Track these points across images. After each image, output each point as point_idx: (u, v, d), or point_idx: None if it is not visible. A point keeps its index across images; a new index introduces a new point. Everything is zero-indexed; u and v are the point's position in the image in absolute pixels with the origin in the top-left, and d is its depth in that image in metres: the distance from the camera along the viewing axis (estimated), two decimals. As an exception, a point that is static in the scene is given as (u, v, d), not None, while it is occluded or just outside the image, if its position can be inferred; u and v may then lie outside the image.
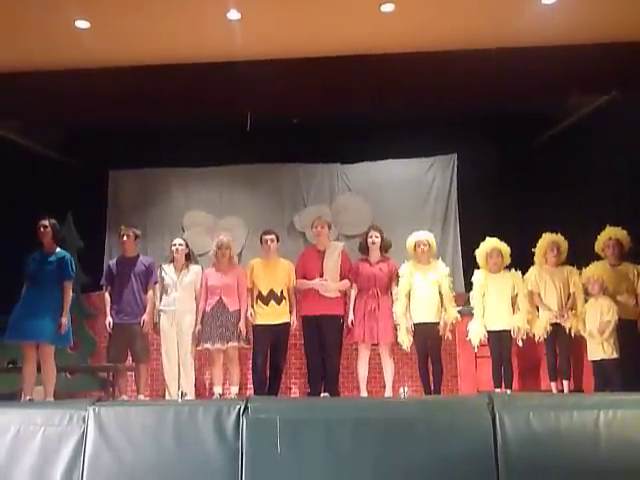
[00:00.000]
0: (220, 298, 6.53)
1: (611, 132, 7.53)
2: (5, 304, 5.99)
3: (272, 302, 6.53)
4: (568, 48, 6.38)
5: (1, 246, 7.67)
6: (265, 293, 6.56)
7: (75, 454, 4.10)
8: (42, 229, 5.93)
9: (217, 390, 6.58)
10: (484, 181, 8.76)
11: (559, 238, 6.46)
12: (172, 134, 8.42)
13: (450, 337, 6.47)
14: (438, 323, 6.35)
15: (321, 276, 6.55)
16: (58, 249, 5.99)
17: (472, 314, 6.45)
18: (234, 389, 6.58)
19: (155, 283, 6.61)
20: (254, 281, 6.63)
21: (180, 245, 6.74)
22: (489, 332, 6.31)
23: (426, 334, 6.37)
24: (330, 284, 6.52)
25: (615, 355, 5.92)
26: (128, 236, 6.65)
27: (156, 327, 6.64)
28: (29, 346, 5.71)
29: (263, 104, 6.94)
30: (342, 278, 6.60)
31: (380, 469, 3.91)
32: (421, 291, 6.41)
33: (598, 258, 6.45)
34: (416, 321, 6.38)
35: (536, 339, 6.30)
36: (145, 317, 6.46)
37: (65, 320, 5.77)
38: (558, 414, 3.94)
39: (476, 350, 6.48)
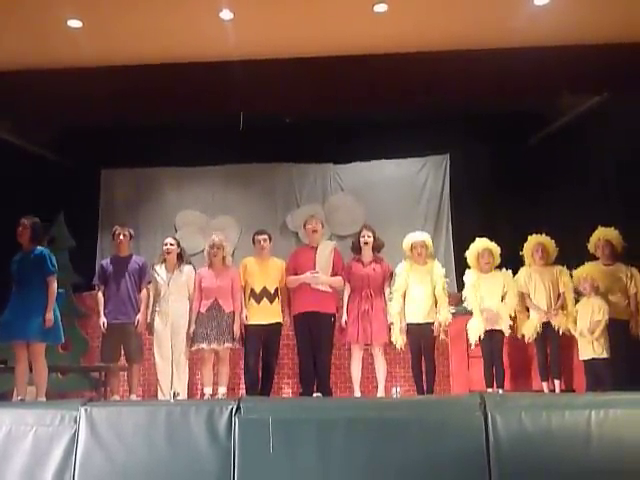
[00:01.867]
0: (216, 300, 6.52)
1: (603, 132, 7.55)
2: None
3: (264, 300, 6.53)
4: (560, 49, 6.40)
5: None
6: (258, 290, 6.55)
7: (66, 454, 4.09)
8: (21, 228, 5.82)
9: (207, 391, 6.57)
10: (476, 181, 8.79)
11: (544, 239, 6.49)
12: (165, 133, 8.41)
13: (444, 337, 6.48)
14: (432, 323, 6.36)
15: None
16: (37, 247, 5.81)
17: (465, 314, 6.47)
18: (222, 389, 6.56)
19: (149, 283, 6.60)
20: (247, 279, 6.62)
21: (171, 245, 6.72)
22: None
23: (420, 334, 6.37)
24: (321, 276, 6.51)
25: (605, 355, 5.94)
26: (124, 235, 6.63)
27: (149, 327, 6.63)
28: (19, 346, 5.68)
29: (256, 104, 6.93)
30: (334, 275, 6.60)
31: (372, 469, 3.91)
32: (416, 291, 6.42)
33: (593, 258, 6.48)
34: (410, 321, 6.38)
35: (526, 339, 6.33)
36: (139, 317, 6.44)
37: (51, 315, 5.63)
38: (550, 414, 3.95)
39: (472, 347, 6.49)
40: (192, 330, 6.52)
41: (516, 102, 7.49)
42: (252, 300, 6.56)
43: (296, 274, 6.59)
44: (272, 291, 6.56)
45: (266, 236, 6.73)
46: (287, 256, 6.91)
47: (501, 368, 6.29)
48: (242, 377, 6.92)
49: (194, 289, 6.63)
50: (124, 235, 6.64)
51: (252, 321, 6.52)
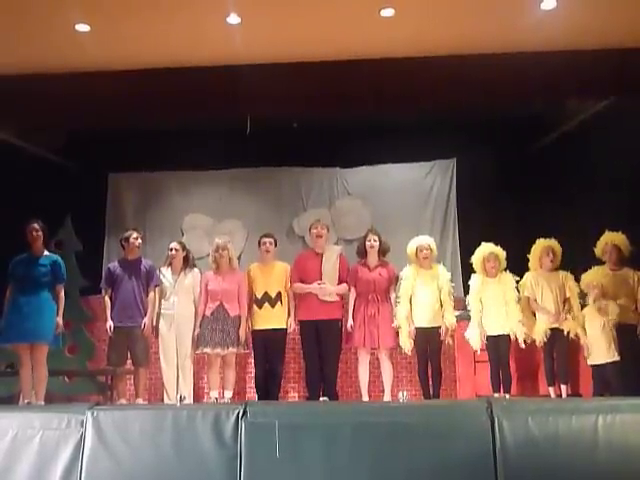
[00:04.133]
0: (221, 303, 6.50)
1: (610, 137, 7.53)
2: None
3: (266, 305, 6.50)
4: (567, 53, 6.39)
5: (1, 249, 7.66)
6: (260, 296, 6.54)
7: (73, 458, 4.10)
8: (34, 233, 5.93)
9: (213, 394, 6.56)
10: (483, 186, 8.77)
11: (554, 243, 6.48)
12: (172, 137, 8.43)
13: (450, 342, 6.47)
14: (439, 328, 6.35)
15: (319, 279, 6.52)
16: (47, 252, 6.02)
17: (471, 319, 6.46)
18: (228, 394, 6.55)
19: (156, 286, 6.59)
20: (250, 285, 6.61)
21: (176, 250, 6.73)
22: (487, 337, 6.31)
23: (427, 338, 6.36)
24: (328, 288, 6.49)
25: (615, 358, 5.91)
26: (132, 239, 6.64)
27: (155, 331, 6.64)
28: (24, 349, 5.72)
29: (263, 108, 6.94)
30: (340, 282, 6.58)
31: (379, 474, 3.91)
32: (422, 296, 6.40)
33: (598, 263, 6.46)
34: (417, 325, 6.37)
35: (537, 343, 6.30)
36: (146, 320, 6.44)
37: (61, 320, 5.83)
38: (557, 419, 3.95)
39: (478, 352, 6.47)
40: (197, 334, 6.52)
41: (523, 106, 7.48)
42: (254, 306, 6.55)
43: (301, 280, 6.57)
44: (274, 295, 6.53)
45: (272, 239, 6.72)
46: (293, 260, 6.90)
47: (508, 373, 6.27)
48: (248, 381, 6.92)
49: (200, 292, 6.63)
50: (132, 239, 6.64)
51: (255, 327, 6.52)
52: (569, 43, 6.31)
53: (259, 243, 6.78)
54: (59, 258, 6.04)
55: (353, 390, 7.17)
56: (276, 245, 6.79)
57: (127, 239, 6.64)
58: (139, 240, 6.63)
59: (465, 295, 6.82)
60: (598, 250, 6.45)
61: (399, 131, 8.33)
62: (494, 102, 6.99)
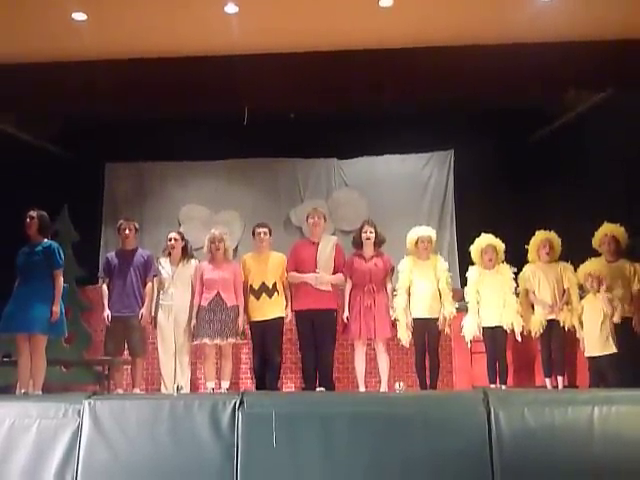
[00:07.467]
0: (218, 293, 6.47)
1: (607, 128, 7.54)
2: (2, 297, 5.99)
3: (264, 295, 6.47)
4: (566, 45, 6.40)
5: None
6: (256, 286, 6.51)
7: (70, 447, 4.11)
8: (28, 220, 5.85)
9: (210, 385, 6.56)
10: (481, 177, 8.78)
11: (551, 235, 6.48)
12: (169, 127, 8.41)
13: (448, 332, 6.47)
14: (437, 319, 6.34)
15: (314, 268, 6.51)
16: (45, 240, 5.86)
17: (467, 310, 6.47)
18: (225, 384, 6.53)
19: (154, 276, 6.58)
20: (246, 276, 6.59)
21: (175, 240, 6.71)
22: (484, 328, 6.33)
23: (425, 330, 6.36)
24: (324, 276, 6.47)
25: (613, 350, 5.90)
26: (129, 229, 6.62)
27: (153, 321, 6.63)
28: (22, 338, 5.69)
29: (260, 98, 6.94)
30: (336, 271, 6.56)
31: (376, 464, 3.92)
32: (420, 287, 6.40)
33: (596, 254, 6.47)
34: (416, 316, 6.37)
35: (532, 335, 6.32)
36: (143, 310, 6.44)
37: (57, 308, 5.68)
38: (553, 409, 3.96)
39: (469, 345, 6.49)
40: (193, 324, 6.50)
41: (521, 98, 7.47)
42: (252, 296, 6.52)
43: (297, 269, 6.55)
44: (271, 286, 6.49)
45: (266, 229, 6.68)
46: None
47: (504, 364, 6.29)
48: (244, 372, 6.92)
49: (195, 283, 6.59)
50: (129, 229, 6.62)
51: (254, 318, 6.50)
52: (567, 34, 6.31)
53: (253, 233, 6.75)
54: (53, 243, 5.85)
55: (350, 381, 7.19)
56: (271, 234, 6.74)
57: (118, 229, 6.64)
58: (127, 230, 6.59)
59: (462, 287, 6.83)
60: (595, 241, 6.46)
61: (397, 122, 8.33)
62: (492, 93, 6.99)
